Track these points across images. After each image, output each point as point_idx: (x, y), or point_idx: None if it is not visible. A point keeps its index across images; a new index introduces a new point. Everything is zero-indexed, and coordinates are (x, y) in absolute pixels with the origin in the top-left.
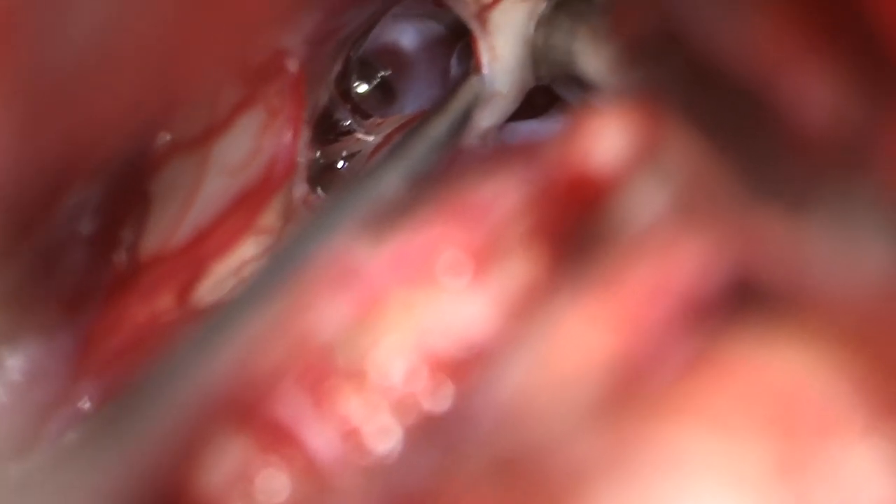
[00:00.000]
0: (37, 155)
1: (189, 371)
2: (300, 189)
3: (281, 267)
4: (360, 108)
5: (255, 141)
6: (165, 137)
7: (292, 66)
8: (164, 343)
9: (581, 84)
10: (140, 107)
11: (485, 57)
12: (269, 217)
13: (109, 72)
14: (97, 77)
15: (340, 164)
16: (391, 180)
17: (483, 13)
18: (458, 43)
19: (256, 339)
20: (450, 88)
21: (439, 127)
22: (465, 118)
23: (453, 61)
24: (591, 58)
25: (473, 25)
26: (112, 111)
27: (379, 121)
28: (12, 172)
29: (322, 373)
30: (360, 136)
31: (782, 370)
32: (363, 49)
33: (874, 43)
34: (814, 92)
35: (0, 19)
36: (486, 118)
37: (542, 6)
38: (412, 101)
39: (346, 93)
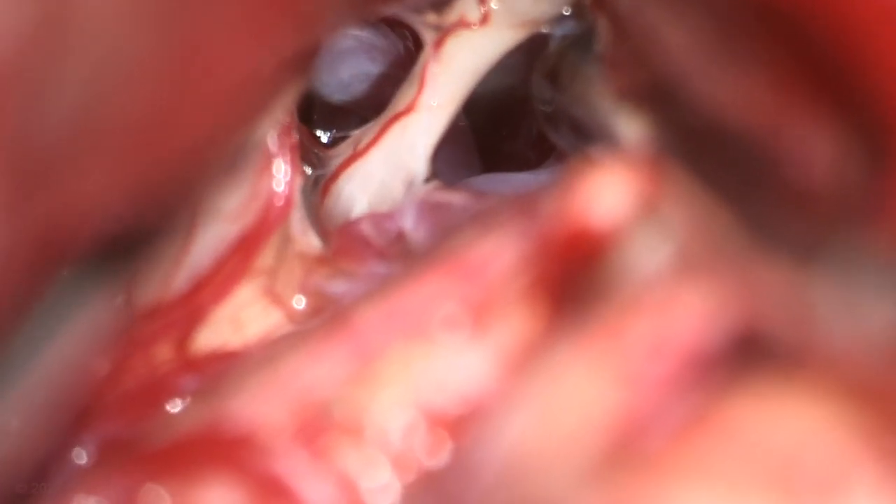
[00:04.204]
0: (24, 229)
1: None
2: (298, 227)
3: None
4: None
5: (252, 186)
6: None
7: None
8: (162, 396)
9: (578, 134)
10: (129, 170)
11: (434, 69)
12: (267, 258)
13: (97, 139)
14: (82, 148)
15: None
16: None
17: (442, 40)
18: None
19: None
20: None
21: None
22: None
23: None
24: (589, 108)
25: (429, 45)
26: (99, 181)
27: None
28: (3, 242)
29: (319, 428)
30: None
31: (787, 426)
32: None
33: (872, 100)
34: (814, 147)
35: None
36: (423, 133)
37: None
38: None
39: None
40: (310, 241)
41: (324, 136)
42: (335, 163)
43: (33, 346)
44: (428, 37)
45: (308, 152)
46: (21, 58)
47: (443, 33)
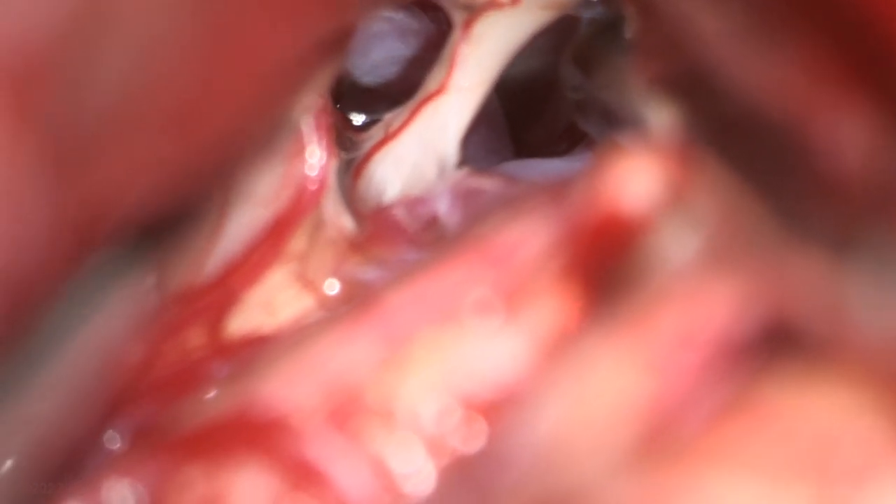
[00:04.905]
0: (65, 207)
1: None
2: (331, 210)
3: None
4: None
5: (285, 170)
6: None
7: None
8: (195, 381)
9: (608, 120)
10: (165, 151)
11: (464, 50)
12: (299, 242)
13: (135, 120)
14: (121, 132)
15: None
16: None
17: (472, 20)
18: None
19: None
20: None
21: None
22: None
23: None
24: (618, 94)
25: (458, 27)
26: (137, 163)
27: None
28: (41, 225)
29: (351, 411)
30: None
31: (820, 413)
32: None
33: None
34: (848, 134)
35: (25, 76)
36: (454, 114)
37: (543, 24)
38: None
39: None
40: (343, 224)
41: (356, 120)
42: (367, 146)
43: (66, 328)
44: (458, 17)
45: (340, 135)
46: (62, 42)
47: (473, 14)
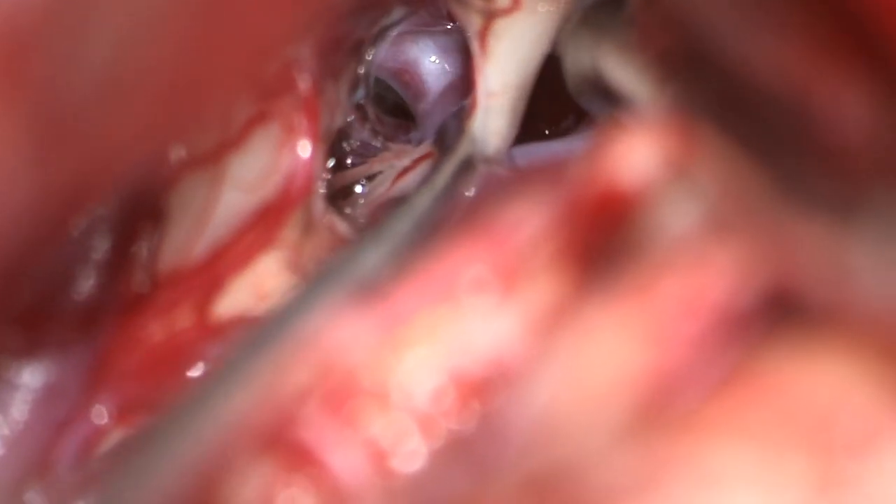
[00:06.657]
0: (51, 178)
1: (209, 404)
2: (319, 206)
3: (266, 340)
4: (379, 130)
5: (272, 157)
6: (178, 154)
7: (302, 78)
8: (183, 361)
9: (608, 99)
10: (153, 127)
11: (480, 61)
12: (290, 233)
13: (124, 95)
14: (112, 100)
15: (359, 188)
16: (373, 259)
17: (486, 27)
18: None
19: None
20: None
21: (424, 203)
22: (452, 191)
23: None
24: (618, 72)
25: (473, 38)
26: (126, 133)
27: (403, 147)
28: (27, 195)
29: (347, 393)
30: (385, 158)
31: (822, 383)
32: (382, 70)
33: None
34: (848, 107)
35: (15, 46)
36: (489, 126)
37: (556, 20)
38: (431, 124)
39: (364, 114)
40: (332, 223)
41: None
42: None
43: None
44: (472, 29)
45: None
46: (52, 16)
47: (486, 22)
